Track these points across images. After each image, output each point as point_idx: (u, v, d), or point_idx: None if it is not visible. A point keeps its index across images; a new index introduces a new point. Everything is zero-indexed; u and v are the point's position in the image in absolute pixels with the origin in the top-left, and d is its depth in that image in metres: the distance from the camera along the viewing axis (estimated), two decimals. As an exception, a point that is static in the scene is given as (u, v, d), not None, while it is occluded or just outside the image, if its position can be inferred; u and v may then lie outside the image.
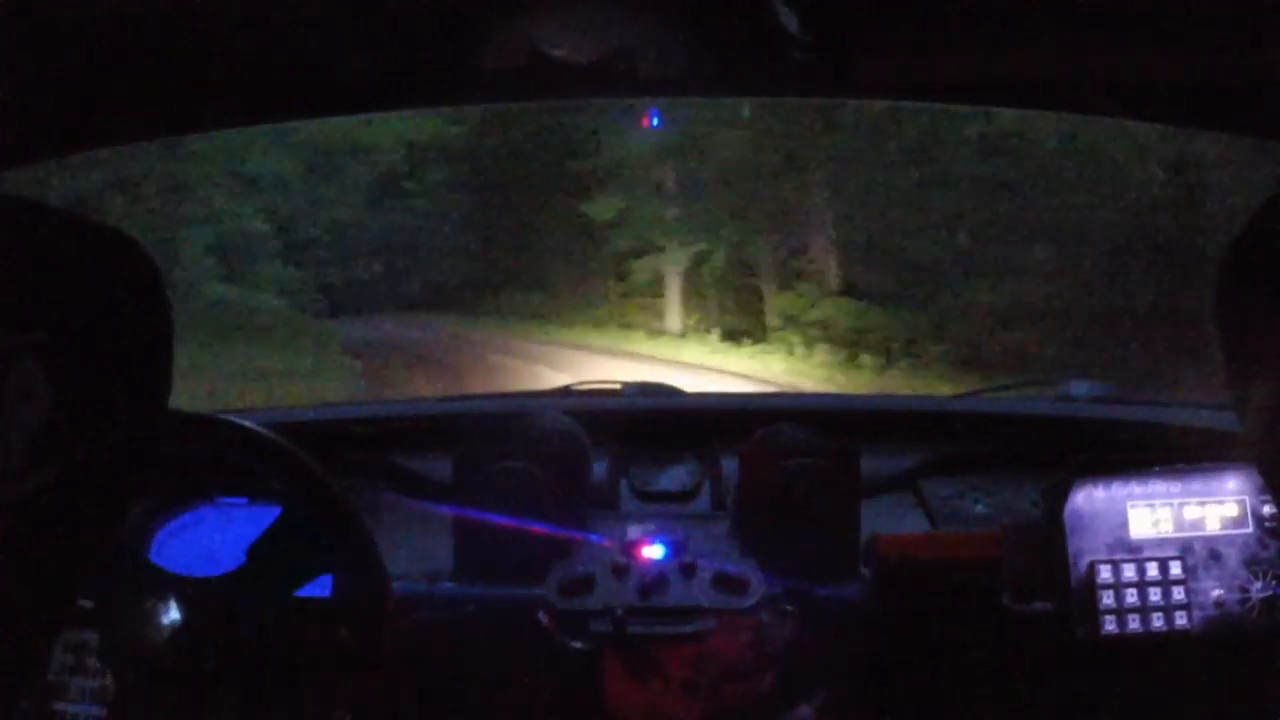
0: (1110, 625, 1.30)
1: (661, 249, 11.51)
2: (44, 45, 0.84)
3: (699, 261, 11.12)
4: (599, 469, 1.58)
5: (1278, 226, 0.70)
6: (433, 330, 11.71)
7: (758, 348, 10.05)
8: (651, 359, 9.86)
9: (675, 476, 1.63)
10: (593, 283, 12.70)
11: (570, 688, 1.31)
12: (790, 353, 9.65)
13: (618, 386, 1.90)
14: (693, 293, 11.34)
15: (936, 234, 8.89)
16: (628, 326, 11.77)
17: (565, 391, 1.94)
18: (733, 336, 10.44)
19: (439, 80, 1.13)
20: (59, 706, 1.14)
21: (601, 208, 11.57)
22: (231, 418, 1.13)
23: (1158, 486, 1.35)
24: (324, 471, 1.10)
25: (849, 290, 9.74)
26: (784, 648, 1.32)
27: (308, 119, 1.48)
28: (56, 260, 0.59)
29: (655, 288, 11.75)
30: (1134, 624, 1.30)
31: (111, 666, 1.12)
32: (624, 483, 1.62)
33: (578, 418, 1.53)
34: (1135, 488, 1.35)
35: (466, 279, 12.81)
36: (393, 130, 10.99)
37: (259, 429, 1.11)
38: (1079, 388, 1.82)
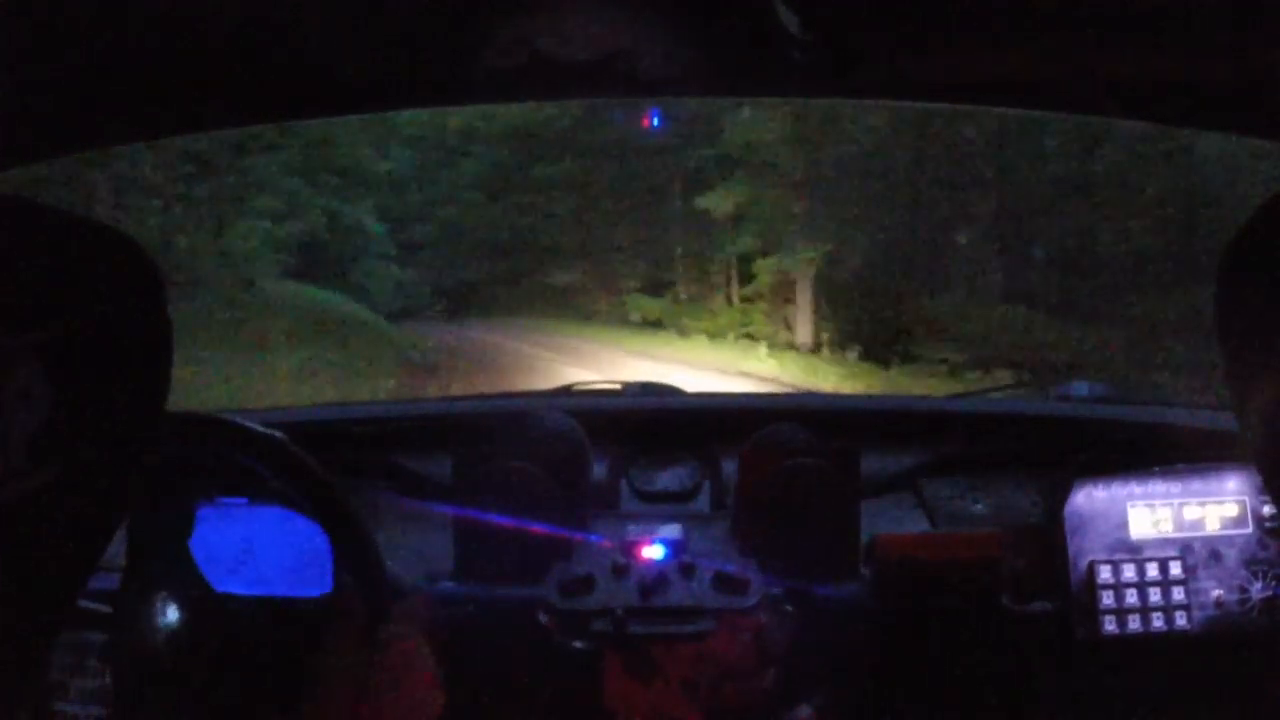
0: (1110, 625, 1.30)
1: (790, 248, 9.63)
2: (44, 45, 0.84)
3: (833, 262, 9.23)
4: (599, 469, 1.58)
5: (1277, 227, 0.70)
6: (525, 338, 10.19)
7: (907, 369, 8.12)
8: (775, 382, 8.19)
9: (675, 476, 1.63)
10: (712, 287, 11.00)
11: (570, 688, 1.31)
12: (954, 375, 7.46)
13: (618, 386, 1.90)
14: (825, 299, 9.44)
15: (1117, 231, 7.18)
16: (750, 337, 9.95)
17: (565, 391, 1.94)
18: (874, 354, 8.44)
19: (439, 80, 1.13)
20: (59, 706, 1.15)
21: (719, 200, 9.89)
22: (232, 418, 1.13)
23: (1158, 486, 1.35)
24: (324, 471, 1.10)
25: (1013, 297, 7.83)
26: (784, 648, 1.32)
27: (308, 119, 1.48)
28: (56, 260, 0.59)
29: (782, 293, 9.93)
30: (1134, 624, 1.30)
31: (112, 666, 1.12)
32: (624, 483, 1.62)
33: (578, 418, 1.53)
34: (1135, 488, 1.35)
35: (577, 282, 11.48)
36: (501, 121, 10.15)
37: (259, 429, 1.11)
38: (1079, 388, 1.82)
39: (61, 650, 1.16)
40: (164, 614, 1.08)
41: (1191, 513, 1.34)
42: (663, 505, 1.60)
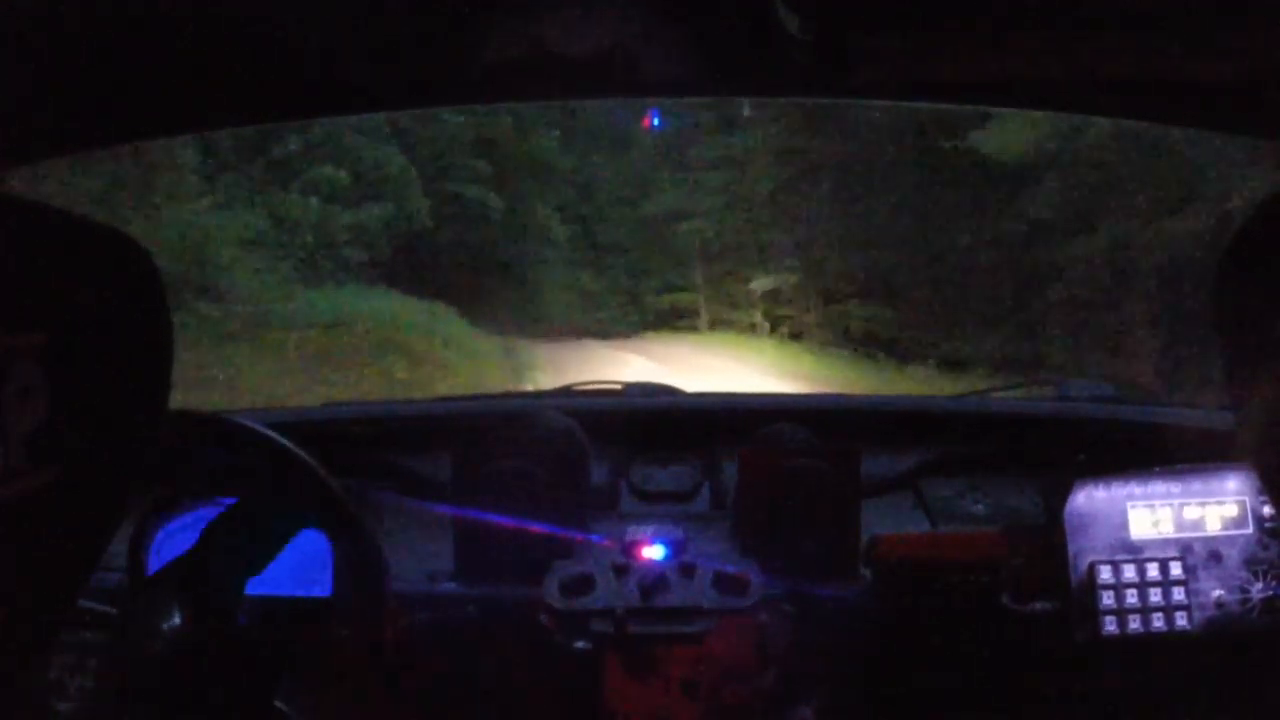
0: (1110, 626, 1.30)
1: (1124, 221, 5.01)
2: (44, 45, 0.85)
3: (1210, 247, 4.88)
4: (599, 469, 1.58)
5: (1276, 226, 0.70)
6: (681, 368, 6.88)
7: None
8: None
9: (675, 476, 1.63)
10: (973, 291, 6.06)
11: (570, 688, 1.31)
12: None
13: (618, 387, 1.90)
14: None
15: None
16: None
17: (565, 391, 1.94)
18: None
19: (439, 80, 1.13)
20: (59, 706, 1.14)
21: (1006, 141, 5.48)
22: (232, 417, 1.13)
23: (1158, 487, 1.35)
24: (325, 472, 1.10)
25: None
26: (784, 648, 1.32)
27: (308, 119, 1.48)
28: (56, 260, 0.59)
29: (1109, 299, 5.43)
30: (1134, 624, 1.30)
31: (112, 666, 1.12)
32: (624, 483, 1.62)
33: (578, 418, 1.53)
34: (1135, 488, 1.35)
35: (780, 286, 8.68)
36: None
37: (259, 428, 1.11)
38: (1079, 388, 1.82)
39: (61, 650, 1.16)
40: (165, 614, 1.08)
41: (1191, 513, 1.34)
42: (663, 505, 1.60)
